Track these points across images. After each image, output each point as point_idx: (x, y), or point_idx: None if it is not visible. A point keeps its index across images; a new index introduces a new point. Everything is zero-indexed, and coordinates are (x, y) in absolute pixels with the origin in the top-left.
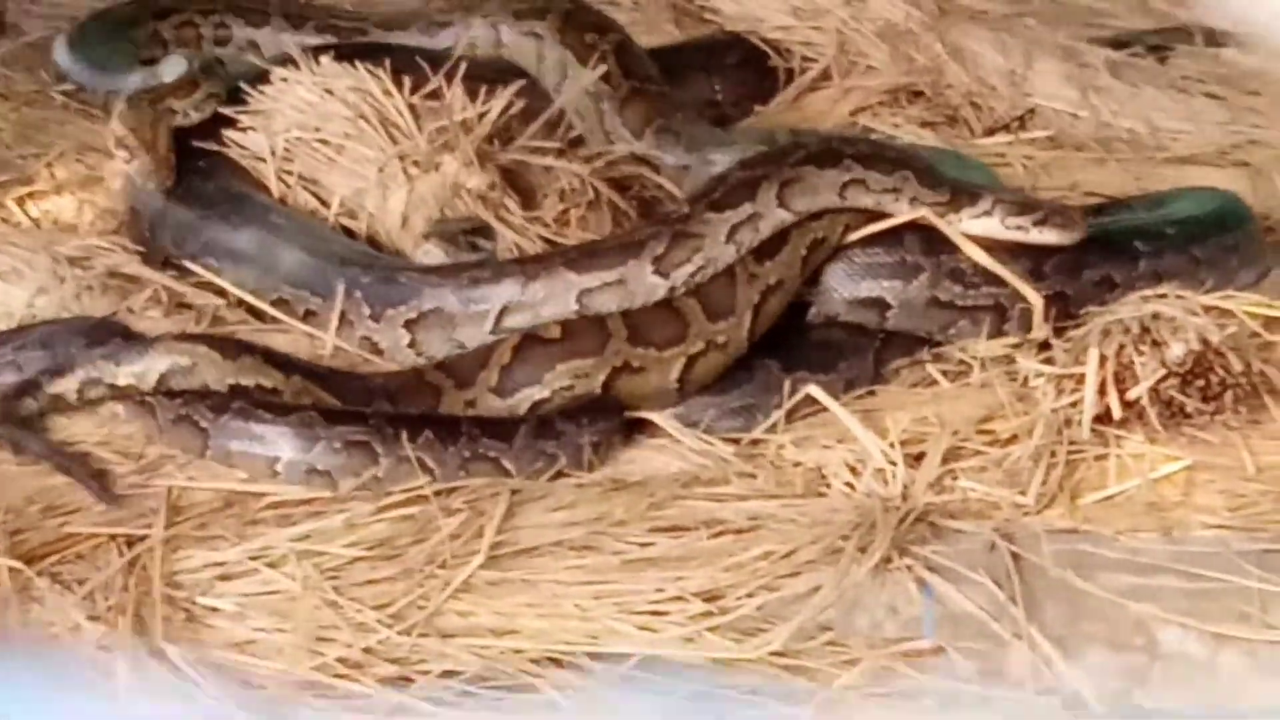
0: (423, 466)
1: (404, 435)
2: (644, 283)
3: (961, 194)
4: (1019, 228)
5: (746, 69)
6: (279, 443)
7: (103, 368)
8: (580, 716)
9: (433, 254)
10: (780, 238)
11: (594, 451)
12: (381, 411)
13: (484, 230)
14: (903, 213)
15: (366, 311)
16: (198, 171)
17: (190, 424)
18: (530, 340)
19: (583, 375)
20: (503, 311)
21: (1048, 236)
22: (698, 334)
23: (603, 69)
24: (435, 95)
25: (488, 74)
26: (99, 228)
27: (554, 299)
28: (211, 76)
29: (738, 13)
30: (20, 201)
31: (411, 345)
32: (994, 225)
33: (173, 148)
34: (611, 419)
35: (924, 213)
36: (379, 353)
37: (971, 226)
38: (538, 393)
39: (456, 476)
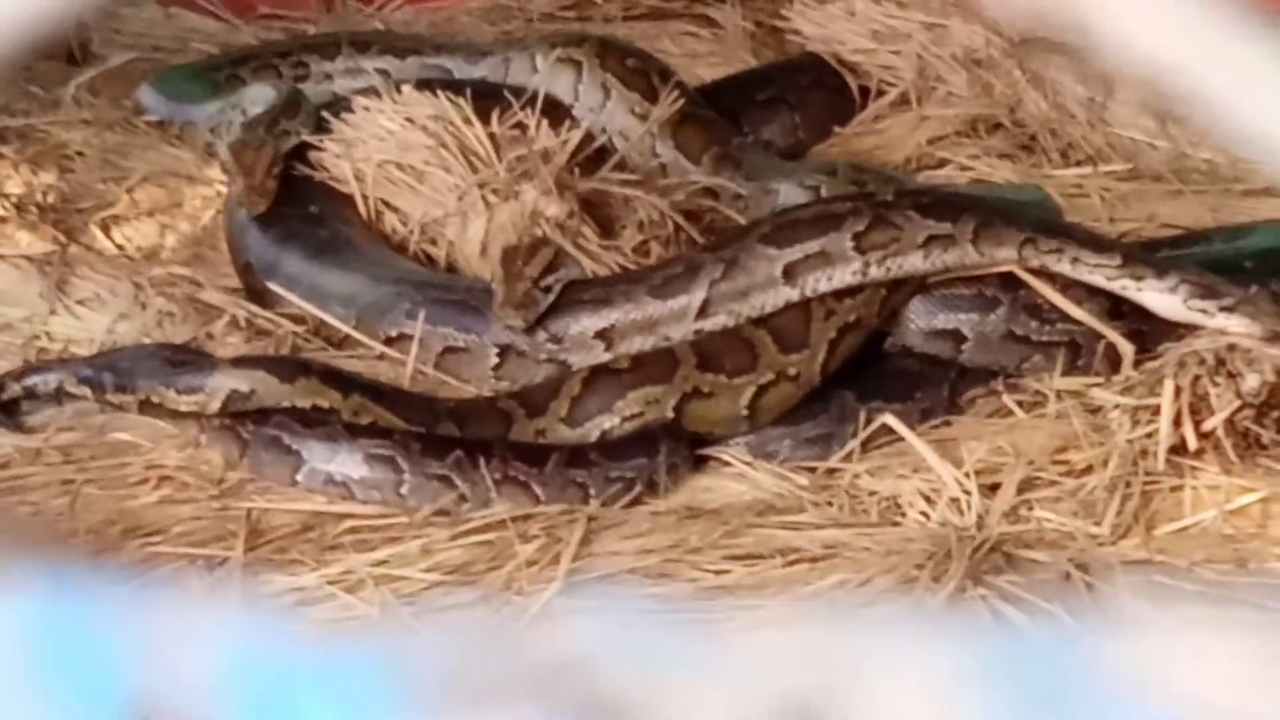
0: (449, 485)
1: (430, 452)
2: (844, 256)
3: (1140, 263)
4: (1203, 311)
5: (823, 90)
6: (302, 452)
7: (163, 394)
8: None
9: (515, 324)
10: None
11: (627, 488)
12: (414, 430)
13: (552, 264)
14: (1067, 272)
15: (543, 336)
16: (310, 219)
17: (234, 434)
18: (600, 371)
19: (653, 402)
20: (706, 303)
21: (1234, 324)
22: (768, 364)
23: (676, 95)
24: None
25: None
26: (180, 254)
27: (760, 277)
28: (303, 97)
29: (818, 35)
30: (103, 226)
31: (609, 349)
32: (1176, 304)
33: (274, 174)
34: (655, 454)
35: (1010, 266)
36: (568, 368)
37: (1151, 300)
38: (608, 420)
39: (486, 497)
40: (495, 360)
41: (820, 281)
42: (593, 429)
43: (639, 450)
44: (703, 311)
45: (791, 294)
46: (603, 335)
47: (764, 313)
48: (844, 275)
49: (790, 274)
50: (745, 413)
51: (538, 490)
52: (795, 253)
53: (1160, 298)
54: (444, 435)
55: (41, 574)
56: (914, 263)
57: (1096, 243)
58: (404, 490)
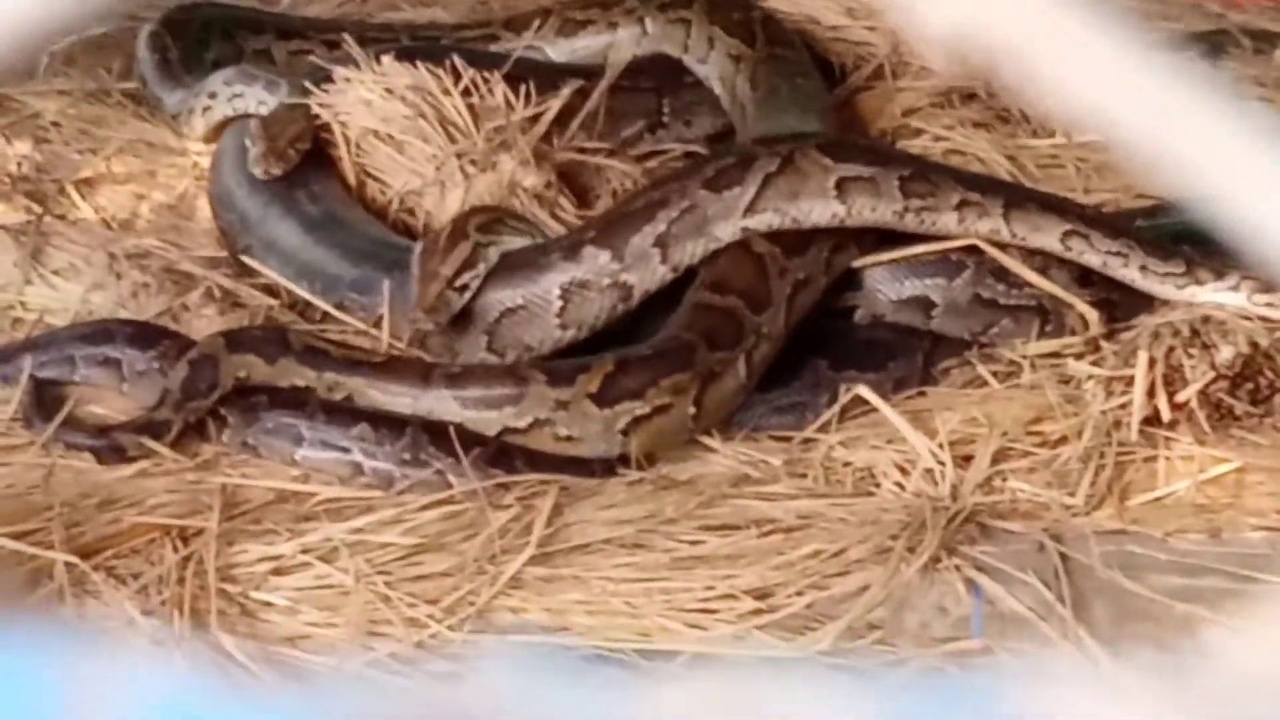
0: (347, 457)
1: (335, 424)
2: (890, 193)
3: (1201, 266)
4: (1269, 304)
5: None
6: (228, 418)
7: (199, 408)
8: (629, 712)
9: (426, 326)
10: (805, 239)
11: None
12: (327, 400)
13: (469, 261)
14: (1133, 280)
15: (605, 257)
16: (315, 198)
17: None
18: (630, 354)
19: (679, 390)
20: (756, 198)
21: None
22: (750, 329)
23: (769, 39)
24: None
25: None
26: (155, 223)
27: (813, 184)
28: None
29: (793, 10)
30: (77, 196)
31: (664, 261)
32: (1240, 300)
33: (298, 147)
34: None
35: (973, 239)
36: (629, 296)
37: (1217, 299)
38: (639, 408)
39: (388, 476)
40: (559, 305)
41: (865, 209)
42: (622, 413)
43: (571, 470)
44: (751, 207)
45: (839, 211)
46: (660, 242)
47: (808, 221)
48: (886, 212)
49: (842, 190)
50: (745, 382)
51: (450, 478)
52: (849, 170)
53: (1225, 296)
54: (363, 409)
55: None
56: (948, 223)
57: (1161, 249)
58: (298, 458)
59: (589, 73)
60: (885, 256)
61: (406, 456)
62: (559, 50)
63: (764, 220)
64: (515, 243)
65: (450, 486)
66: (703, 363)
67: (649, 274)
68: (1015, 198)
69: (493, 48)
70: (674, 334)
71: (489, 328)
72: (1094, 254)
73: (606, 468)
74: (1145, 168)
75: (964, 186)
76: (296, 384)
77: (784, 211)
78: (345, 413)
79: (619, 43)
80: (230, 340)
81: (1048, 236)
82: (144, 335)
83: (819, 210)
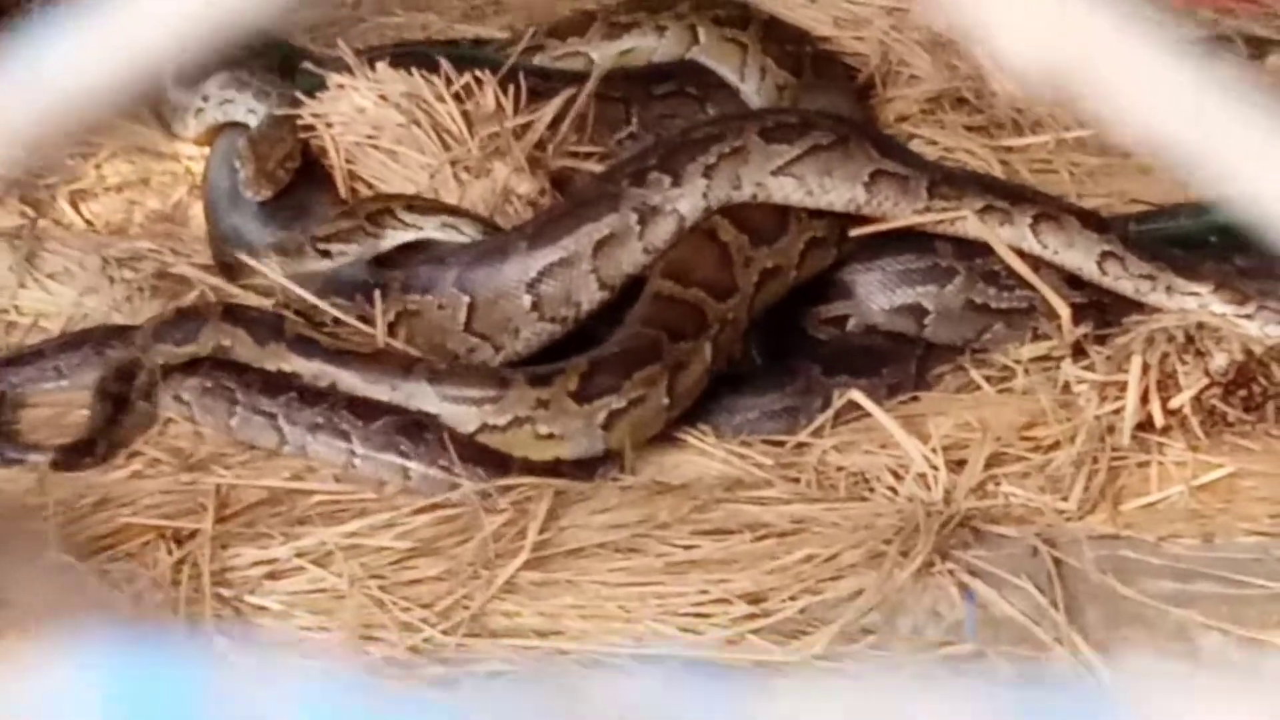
0: (272, 420)
1: (266, 391)
2: (917, 192)
3: (1230, 289)
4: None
5: None
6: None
7: (169, 351)
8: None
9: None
10: (780, 227)
11: (453, 486)
12: (260, 370)
13: (345, 234)
14: (1163, 303)
15: (667, 181)
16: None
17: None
18: (600, 354)
19: (651, 382)
20: (794, 161)
21: None
22: (715, 317)
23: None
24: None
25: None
26: (148, 229)
27: (851, 168)
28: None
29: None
30: (71, 202)
31: (706, 195)
32: (1253, 329)
33: (287, 166)
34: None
35: (928, 218)
36: (681, 225)
37: (1237, 323)
38: (615, 402)
39: (304, 440)
40: (638, 229)
41: (886, 203)
42: (599, 408)
43: (486, 461)
44: (782, 168)
45: (860, 199)
46: (707, 173)
47: (822, 202)
48: (906, 210)
49: (873, 180)
50: (709, 365)
51: (355, 442)
52: (888, 165)
53: (1242, 323)
54: (283, 377)
55: (120, 634)
56: (969, 227)
57: (1192, 272)
58: (233, 423)
59: (585, 79)
60: (875, 228)
61: (320, 420)
62: (603, 54)
63: (782, 185)
64: (403, 237)
65: (355, 454)
66: (669, 354)
67: (695, 203)
68: (1051, 210)
69: (536, 59)
70: (636, 330)
71: (593, 265)
72: (1127, 279)
73: (525, 465)
74: (1200, 175)
75: (992, 194)
76: (283, 369)
77: (806, 184)
78: (278, 382)
79: (665, 47)
80: (227, 310)
81: (1083, 256)
82: (74, 340)
83: (840, 193)
